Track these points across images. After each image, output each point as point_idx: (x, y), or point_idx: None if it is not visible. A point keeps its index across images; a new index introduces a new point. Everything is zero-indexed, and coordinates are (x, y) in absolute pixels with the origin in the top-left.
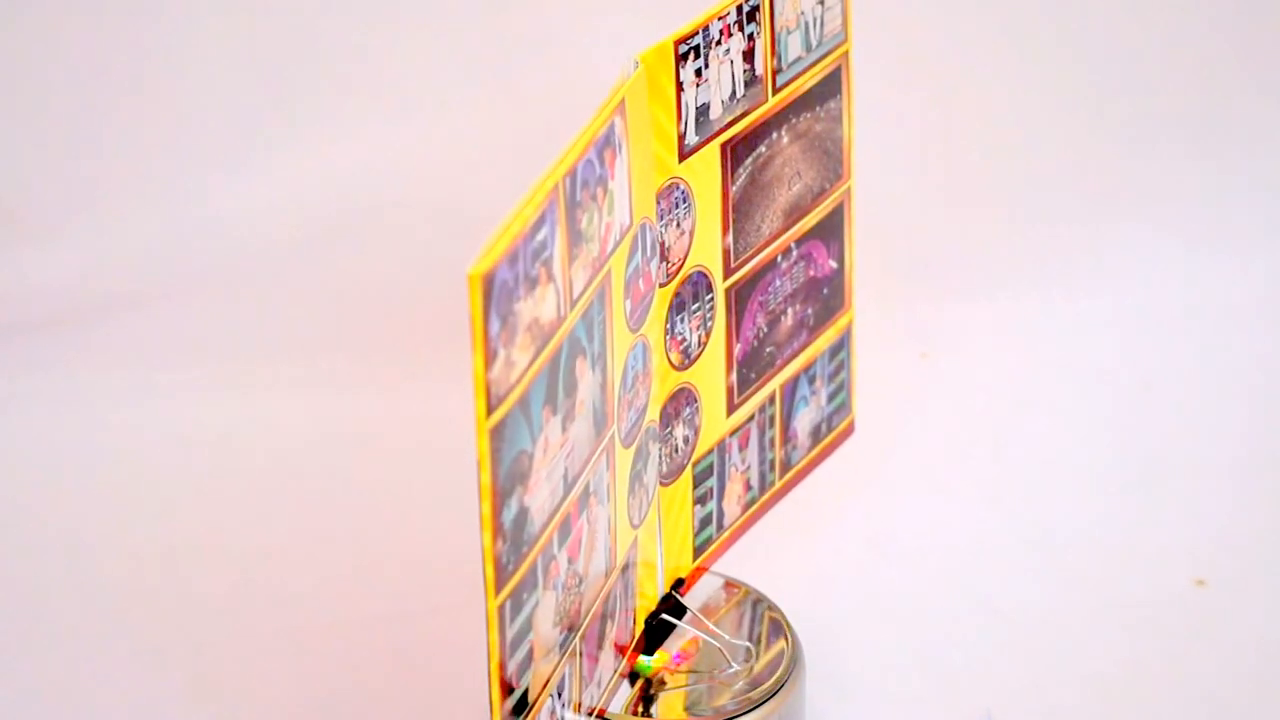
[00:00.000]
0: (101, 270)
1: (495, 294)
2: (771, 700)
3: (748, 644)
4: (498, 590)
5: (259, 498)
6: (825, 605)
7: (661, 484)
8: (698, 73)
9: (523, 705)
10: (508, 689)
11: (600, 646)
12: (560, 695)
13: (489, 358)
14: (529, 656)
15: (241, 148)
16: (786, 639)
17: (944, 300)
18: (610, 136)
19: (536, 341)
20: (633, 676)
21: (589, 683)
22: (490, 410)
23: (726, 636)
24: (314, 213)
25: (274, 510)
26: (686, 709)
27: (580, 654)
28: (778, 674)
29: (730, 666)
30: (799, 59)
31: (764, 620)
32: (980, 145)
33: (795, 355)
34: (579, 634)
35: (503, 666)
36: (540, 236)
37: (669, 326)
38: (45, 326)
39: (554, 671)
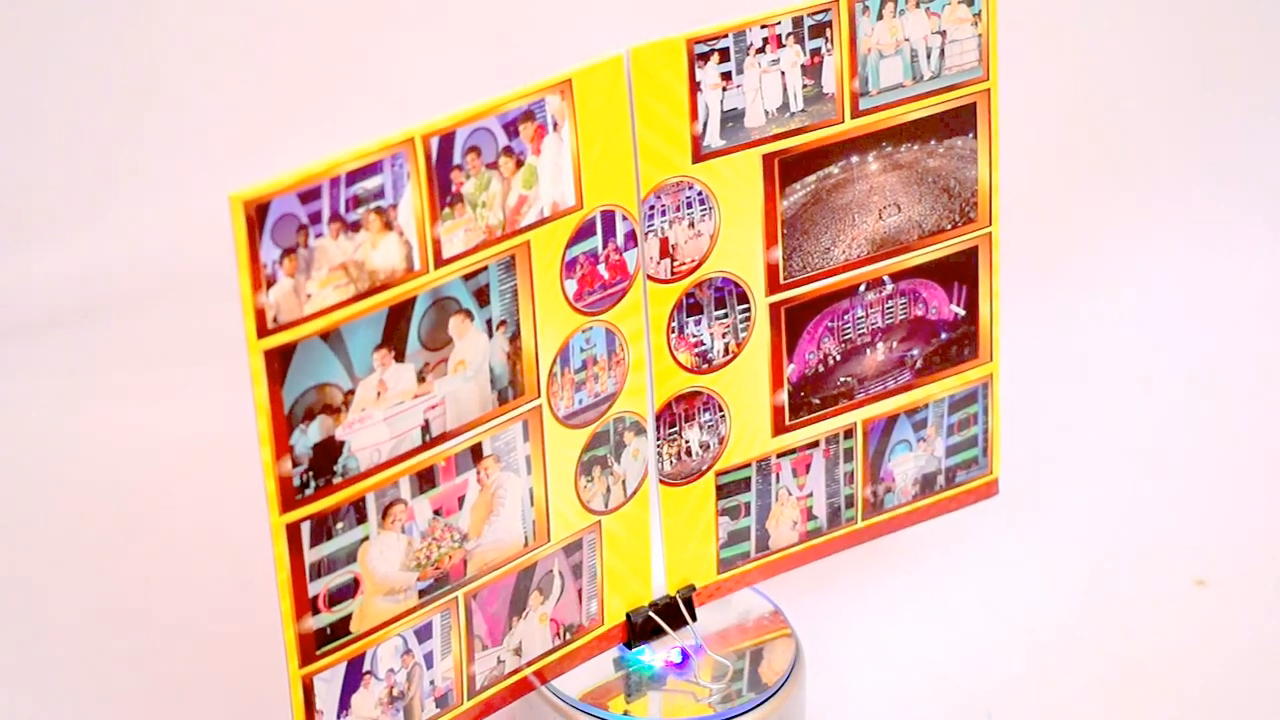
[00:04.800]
0: (100, 270)
1: (271, 222)
2: (771, 700)
3: (729, 664)
4: (284, 508)
5: (258, 496)
6: (825, 605)
7: (664, 484)
8: (725, 75)
9: (342, 630)
10: (310, 608)
11: (517, 614)
12: (423, 641)
13: (259, 281)
14: (352, 587)
15: (241, 148)
16: (787, 639)
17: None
18: (535, 113)
19: (359, 283)
20: (622, 666)
21: (490, 644)
22: (266, 332)
23: (710, 652)
24: None
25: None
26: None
27: (465, 610)
28: (778, 674)
29: (704, 683)
30: (898, 86)
31: (765, 627)
32: None
33: (891, 394)
34: (463, 589)
35: (300, 584)
36: (371, 185)
37: (674, 325)
38: (45, 326)
39: (409, 615)
